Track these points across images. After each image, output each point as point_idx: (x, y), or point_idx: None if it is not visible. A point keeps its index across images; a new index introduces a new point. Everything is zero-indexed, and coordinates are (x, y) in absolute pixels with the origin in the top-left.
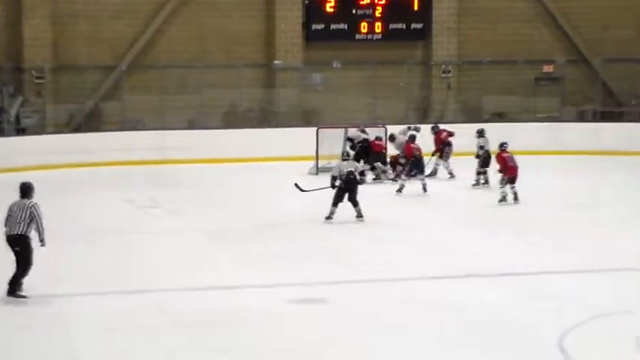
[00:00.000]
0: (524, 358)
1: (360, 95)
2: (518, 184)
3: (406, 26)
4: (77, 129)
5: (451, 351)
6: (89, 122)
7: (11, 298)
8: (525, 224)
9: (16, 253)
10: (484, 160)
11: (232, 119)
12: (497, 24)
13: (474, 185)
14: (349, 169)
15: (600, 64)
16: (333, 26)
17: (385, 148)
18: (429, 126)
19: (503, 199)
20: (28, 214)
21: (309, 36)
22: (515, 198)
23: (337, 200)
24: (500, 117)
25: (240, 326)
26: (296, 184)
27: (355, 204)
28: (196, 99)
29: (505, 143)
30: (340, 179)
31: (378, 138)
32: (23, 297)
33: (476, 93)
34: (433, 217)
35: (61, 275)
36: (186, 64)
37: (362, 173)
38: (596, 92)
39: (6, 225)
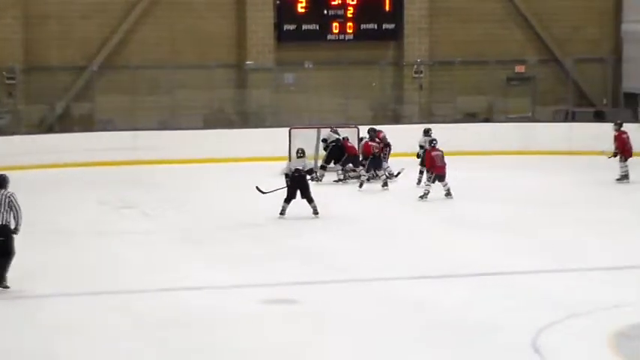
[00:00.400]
0: (497, 357)
1: (332, 95)
2: (491, 182)
3: (378, 27)
4: (49, 129)
5: (423, 351)
6: (61, 123)
7: None
8: (496, 223)
9: (0, 244)
10: (423, 159)
11: (204, 120)
12: (469, 24)
13: (418, 184)
14: (296, 167)
15: (571, 64)
16: (304, 27)
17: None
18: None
19: (424, 195)
20: (7, 204)
21: (281, 36)
22: (448, 194)
23: (289, 197)
24: (472, 117)
25: (206, 327)
26: (257, 187)
27: (309, 201)
28: (168, 100)
29: (434, 140)
30: (288, 177)
31: (345, 138)
32: (7, 287)
33: (448, 93)
34: (400, 216)
35: (33, 275)
36: (158, 65)
37: (310, 171)
38: (567, 92)
39: None
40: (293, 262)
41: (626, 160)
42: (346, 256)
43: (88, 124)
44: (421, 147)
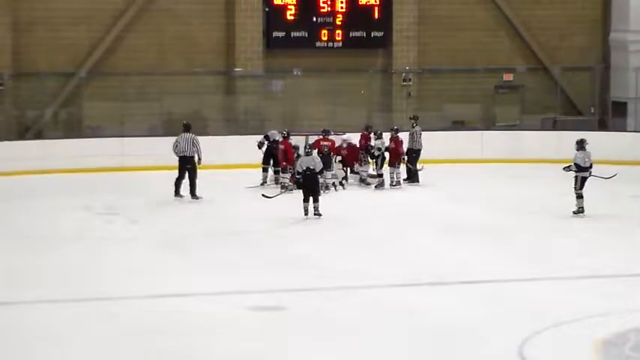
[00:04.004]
0: None
1: (321, 103)
2: (479, 190)
3: (366, 34)
4: (37, 135)
5: (409, 358)
6: (49, 129)
7: None
8: (483, 231)
9: (188, 170)
10: (382, 161)
11: (193, 127)
12: (457, 32)
13: (375, 187)
14: (307, 165)
15: (559, 73)
16: (293, 34)
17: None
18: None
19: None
20: (192, 143)
21: (270, 43)
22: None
23: (305, 196)
24: (460, 125)
25: (192, 334)
26: (263, 194)
27: (315, 199)
28: (156, 106)
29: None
30: (300, 175)
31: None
32: (200, 198)
33: (436, 101)
34: (389, 222)
35: (17, 281)
36: (146, 72)
37: (321, 171)
38: (555, 100)
39: (175, 149)
40: (280, 269)
41: (399, 166)
42: (333, 263)
43: (75, 130)
44: (378, 149)
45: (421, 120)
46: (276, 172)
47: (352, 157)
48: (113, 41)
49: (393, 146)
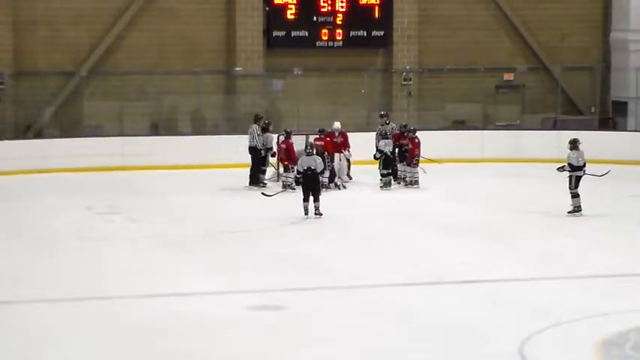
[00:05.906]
0: None
1: (321, 102)
2: (479, 190)
3: (367, 34)
4: (38, 135)
5: (408, 359)
6: (50, 128)
7: None
8: (483, 231)
9: (251, 158)
10: (385, 161)
11: (193, 126)
12: (458, 32)
13: (381, 187)
14: (308, 165)
15: (560, 72)
16: (293, 33)
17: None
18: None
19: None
20: (251, 133)
21: (270, 43)
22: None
23: (305, 196)
24: (461, 124)
25: (192, 333)
26: (263, 193)
27: (315, 199)
28: (157, 105)
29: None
30: (300, 174)
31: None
32: (265, 184)
33: (436, 100)
34: (388, 222)
35: (16, 280)
36: (147, 71)
37: (322, 171)
38: (555, 100)
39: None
40: (280, 269)
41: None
42: (332, 263)
43: (76, 129)
44: (380, 151)
45: (422, 119)
46: (262, 172)
47: (345, 143)
48: (113, 40)
49: (411, 146)
